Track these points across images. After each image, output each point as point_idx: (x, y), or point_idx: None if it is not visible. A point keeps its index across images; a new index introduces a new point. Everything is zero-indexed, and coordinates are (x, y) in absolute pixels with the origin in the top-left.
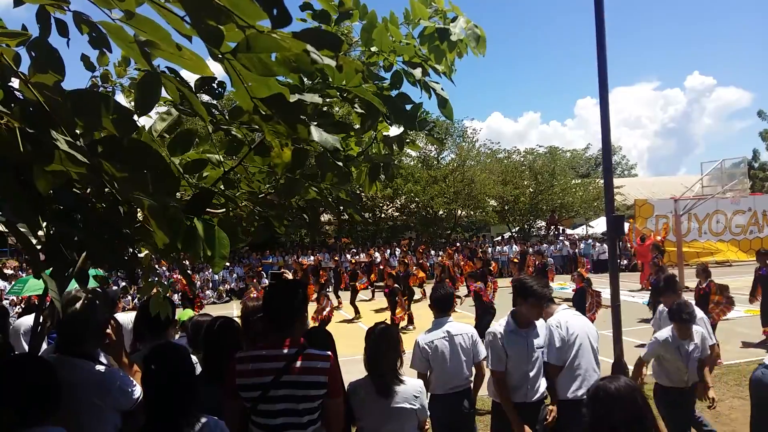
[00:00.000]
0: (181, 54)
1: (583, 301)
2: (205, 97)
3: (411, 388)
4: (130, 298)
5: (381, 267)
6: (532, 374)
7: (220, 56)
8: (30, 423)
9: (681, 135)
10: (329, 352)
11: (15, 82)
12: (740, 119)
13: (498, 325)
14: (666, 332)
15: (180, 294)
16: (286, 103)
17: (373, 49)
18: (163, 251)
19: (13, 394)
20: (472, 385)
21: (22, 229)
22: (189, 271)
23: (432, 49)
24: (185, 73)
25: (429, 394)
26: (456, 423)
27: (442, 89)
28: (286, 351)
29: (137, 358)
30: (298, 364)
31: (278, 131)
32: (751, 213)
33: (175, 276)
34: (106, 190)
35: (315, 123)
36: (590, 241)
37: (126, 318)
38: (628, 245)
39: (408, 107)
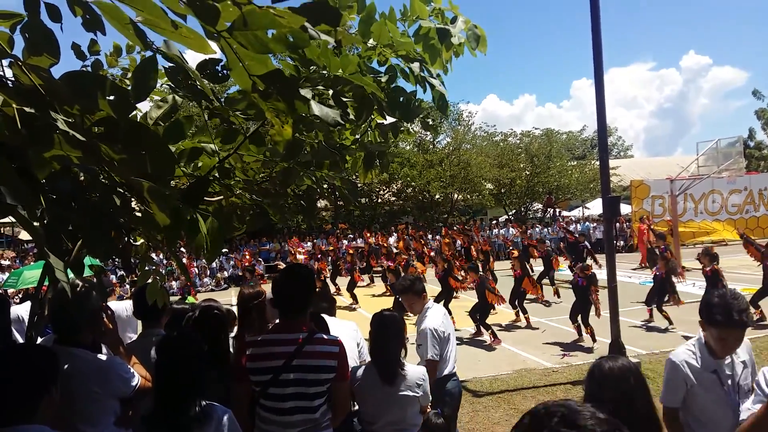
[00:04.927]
0: (178, 32)
1: (587, 292)
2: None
3: (414, 375)
4: (128, 286)
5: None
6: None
7: (215, 34)
8: (15, 421)
9: (677, 115)
10: (338, 337)
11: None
12: (736, 98)
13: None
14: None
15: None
16: (285, 78)
17: (369, 42)
18: (169, 237)
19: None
20: None
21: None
22: (185, 259)
23: (427, 48)
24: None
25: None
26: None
27: (440, 84)
28: (296, 335)
29: (133, 347)
30: (309, 348)
31: (278, 108)
32: (746, 192)
33: (175, 265)
34: (101, 177)
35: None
36: (587, 223)
37: (121, 306)
38: (625, 226)
39: (401, 99)
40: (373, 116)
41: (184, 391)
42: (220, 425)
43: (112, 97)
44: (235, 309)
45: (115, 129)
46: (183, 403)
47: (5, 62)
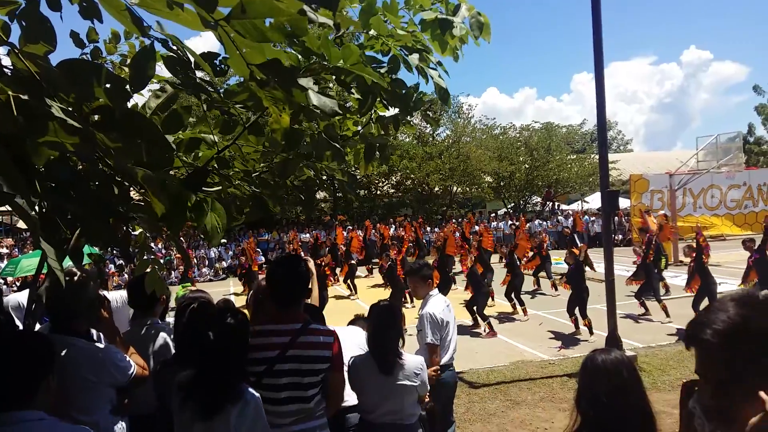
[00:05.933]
0: (175, 12)
1: (579, 279)
2: (200, 75)
3: (412, 365)
4: (126, 276)
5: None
6: None
7: (212, 23)
8: (13, 407)
9: (677, 110)
10: (333, 327)
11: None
12: (736, 94)
13: None
14: None
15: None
16: (283, 67)
17: (371, 33)
18: (170, 225)
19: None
20: None
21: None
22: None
23: (435, 37)
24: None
25: None
26: None
27: (440, 77)
28: (291, 326)
29: (127, 336)
30: (304, 338)
31: (275, 97)
32: (746, 187)
33: (175, 254)
34: (100, 165)
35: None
36: (586, 217)
37: (117, 295)
38: (624, 220)
39: (404, 91)
40: (375, 108)
41: (232, 367)
42: (246, 409)
43: (108, 86)
44: (233, 298)
45: (111, 117)
46: (226, 379)
47: (2, 49)
